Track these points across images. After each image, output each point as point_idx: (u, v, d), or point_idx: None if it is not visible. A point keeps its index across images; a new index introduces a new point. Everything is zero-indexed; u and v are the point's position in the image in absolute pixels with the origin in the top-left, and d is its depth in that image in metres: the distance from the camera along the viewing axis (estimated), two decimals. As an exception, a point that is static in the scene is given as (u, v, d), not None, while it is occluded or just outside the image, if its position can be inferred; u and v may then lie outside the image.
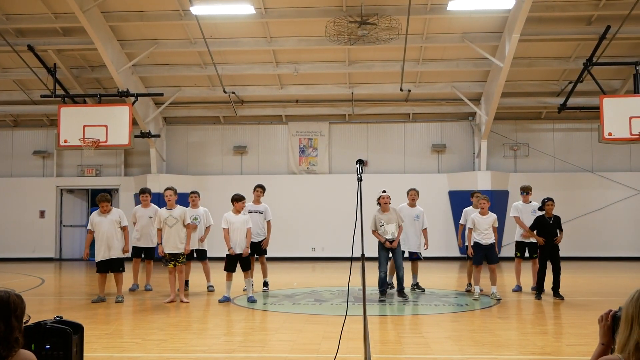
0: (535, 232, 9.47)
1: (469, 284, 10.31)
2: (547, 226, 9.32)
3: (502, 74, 14.25)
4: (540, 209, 9.54)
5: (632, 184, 17.34)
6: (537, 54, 15.56)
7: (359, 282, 4.97)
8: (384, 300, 9.00)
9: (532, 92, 16.96)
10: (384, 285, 9.16)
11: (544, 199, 9.44)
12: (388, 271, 10.00)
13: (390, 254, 9.41)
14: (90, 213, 19.40)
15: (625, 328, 2.47)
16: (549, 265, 9.26)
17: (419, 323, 7.56)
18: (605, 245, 17.11)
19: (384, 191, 9.38)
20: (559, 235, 9.31)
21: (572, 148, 17.92)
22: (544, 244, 9.28)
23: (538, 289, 9.33)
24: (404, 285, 9.43)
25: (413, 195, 10.09)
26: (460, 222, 10.63)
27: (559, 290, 9.18)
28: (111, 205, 9.36)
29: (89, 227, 9.24)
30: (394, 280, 9.65)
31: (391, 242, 9.16)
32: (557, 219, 9.38)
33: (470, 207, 10.38)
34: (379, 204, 9.33)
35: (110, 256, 9.09)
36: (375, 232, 9.28)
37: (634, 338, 2.42)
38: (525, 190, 10.42)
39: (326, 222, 17.47)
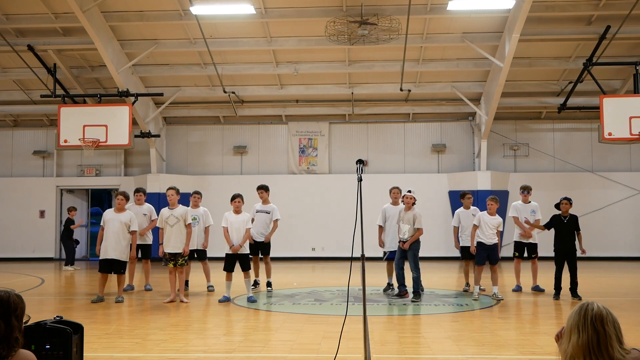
0: (552, 230, 9.45)
1: (467, 284, 10.32)
2: (562, 225, 9.34)
3: (502, 74, 14.25)
4: (557, 206, 9.52)
5: (632, 184, 17.34)
6: (537, 54, 15.56)
7: (359, 282, 4.97)
8: (417, 301, 8.95)
9: (532, 92, 16.96)
10: (411, 285, 9.15)
11: (561, 198, 9.50)
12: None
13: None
14: (91, 213, 19.68)
15: (565, 339, 2.45)
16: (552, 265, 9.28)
17: (419, 323, 7.56)
18: (605, 245, 17.09)
19: (409, 191, 9.35)
20: (576, 235, 9.32)
21: (572, 148, 17.92)
22: (559, 244, 9.29)
23: (556, 289, 9.28)
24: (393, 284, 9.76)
25: (396, 194, 9.98)
26: (452, 224, 10.63)
27: (577, 290, 9.17)
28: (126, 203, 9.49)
29: (101, 223, 9.28)
30: (394, 281, 9.66)
31: (404, 242, 9.14)
32: (573, 218, 9.38)
33: (462, 209, 10.40)
34: (403, 202, 9.38)
35: (114, 257, 9.08)
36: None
37: (569, 350, 2.40)
38: (526, 190, 10.41)
39: (326, 222, 17.47)
